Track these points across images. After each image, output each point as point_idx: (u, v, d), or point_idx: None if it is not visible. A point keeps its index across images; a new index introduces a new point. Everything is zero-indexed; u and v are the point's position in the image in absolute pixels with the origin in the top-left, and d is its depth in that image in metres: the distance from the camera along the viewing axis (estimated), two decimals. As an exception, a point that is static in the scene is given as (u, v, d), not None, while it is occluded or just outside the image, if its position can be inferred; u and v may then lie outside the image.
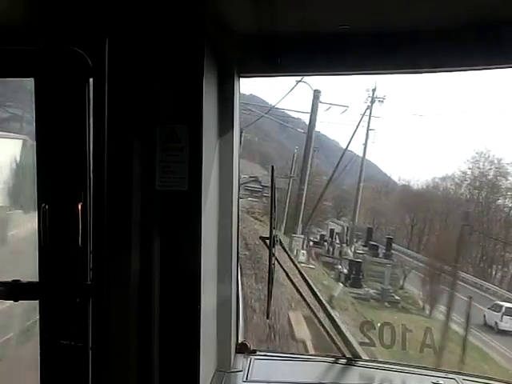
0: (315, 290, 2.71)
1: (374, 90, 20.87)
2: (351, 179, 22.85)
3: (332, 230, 22.70)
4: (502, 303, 16.52)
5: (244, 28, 2.22)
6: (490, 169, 21.73)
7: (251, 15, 2.08)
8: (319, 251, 20.68)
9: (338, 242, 21.80)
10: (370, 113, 21.27)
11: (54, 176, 1.93)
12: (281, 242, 2.64)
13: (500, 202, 21.48)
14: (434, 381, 2.41)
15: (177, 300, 1.90)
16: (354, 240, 21.74)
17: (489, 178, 21.71)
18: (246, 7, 2.03)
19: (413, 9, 1.98)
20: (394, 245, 20.39)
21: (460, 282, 16.28)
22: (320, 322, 2.68)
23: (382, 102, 21.01)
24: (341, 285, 17.12)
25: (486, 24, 2.04)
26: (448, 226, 21.49)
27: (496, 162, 21.33)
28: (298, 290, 2.70)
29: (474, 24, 2.06)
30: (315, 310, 2.70)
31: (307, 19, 2.12)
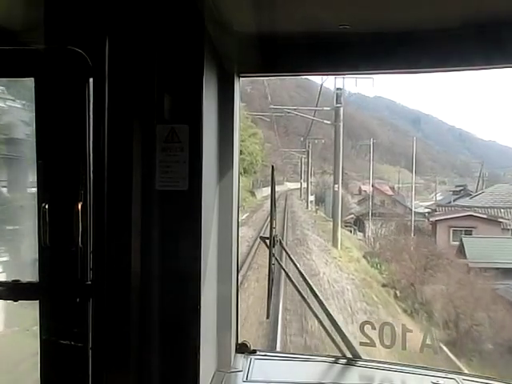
0: (315, 290, 2.71)
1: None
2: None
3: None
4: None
5: (244, 28, 2.22)
6: None
7: (251, 15, 2.08)
8: None
9: None
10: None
11: (54, 176, 1.93)
12: (281, 242, 2.64)
13: None
14: (434, 381, 2.41)
15: (177, 300, 1.90)
16: None
17: None
18: (246, 7, 2.03)
19: (413, 9, 1.99)
20: None
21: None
22: (320, 321, 2.68)
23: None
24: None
25: (486, 24, 2.04)
26: None
27: None
28: (298, 291, 2.70)
29: (474, 24, 2.06)
30: (315, 310, 2.69)
31: (307, 19, 2.12)
